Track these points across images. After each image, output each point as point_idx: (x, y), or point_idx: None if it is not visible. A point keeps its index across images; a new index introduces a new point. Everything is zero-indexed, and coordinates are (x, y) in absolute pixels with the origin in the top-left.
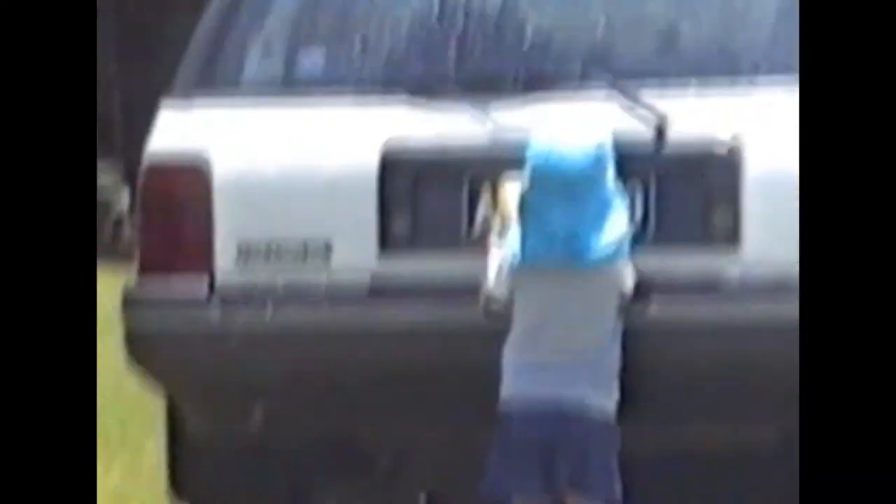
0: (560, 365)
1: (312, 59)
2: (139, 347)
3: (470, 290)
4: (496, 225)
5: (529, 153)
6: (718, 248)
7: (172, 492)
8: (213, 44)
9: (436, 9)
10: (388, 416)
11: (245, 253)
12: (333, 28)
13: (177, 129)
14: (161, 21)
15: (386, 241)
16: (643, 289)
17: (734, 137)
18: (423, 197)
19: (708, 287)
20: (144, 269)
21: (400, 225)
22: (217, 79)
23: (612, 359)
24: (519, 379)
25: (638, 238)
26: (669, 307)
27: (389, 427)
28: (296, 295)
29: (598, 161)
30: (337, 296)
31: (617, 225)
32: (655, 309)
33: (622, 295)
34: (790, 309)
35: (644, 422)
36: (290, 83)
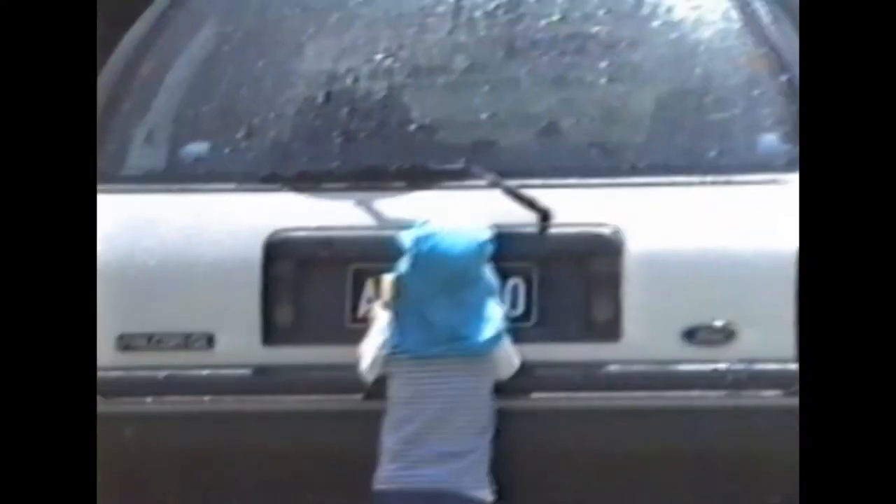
0: (438, 452)
1: (196, 150)
2: None
3: (353, 378)
4: (377, 314)
5: (410, 244)
6: (602, 338)
7: None
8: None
9: (320, 100)
10: (271, 500)
11: (126, 343)
12: (217, 118)
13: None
14: None
15: (269, 331)
16: (526, 376)
17: (614, 229)
18: (306, 287)
19: (589, 380)
20: None
21: (283, 314)
22: (100, 170)
23: (486, 444)
24: (394, 463)
25: (520, 326)
26: (552, 395)
27: None
28: (178, 385)
29: (480, 252)
30: (219, 386)
31: (495, 313)
32: (537, 397)
33: (498, 377)
34: (673, 398)
35: None
36: (173, 173)
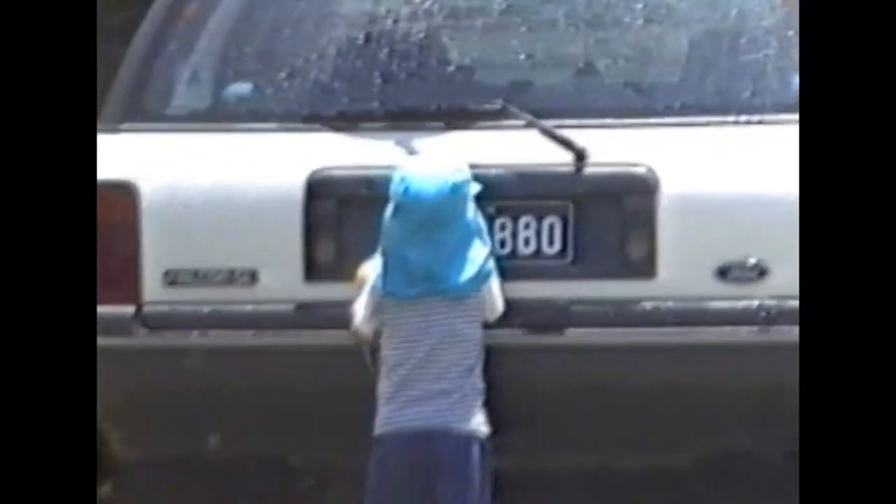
0: (426, 391)
1: (239, 90)
2: None
3: None
4: (366, 272)
5: (392, 189)
6: (636, 275)
7: None
8: (140, 74)
9: (360, 41)
10: (309, 435)
11: (171, 278)
12: (259, 59)
13: (106, 160)
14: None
15: (311, 267)
16: (563, 313)
17: (649, 168)
18: (347, 224)
19: (625, 316)
20: None
21: (325, 251)
22: (145, 109)
23: (476, 380)
24: (390, 407)
25: (556, 264)
26: (588, 331)
27: (313, 446)
28: (222, 320)
29: (456, 195)
30: (262, 321)
31: (478, 253)
32: (575, 335)
33: (485, 319)
34: (706, 333)
35: (558, 446)
36: (217, 113)
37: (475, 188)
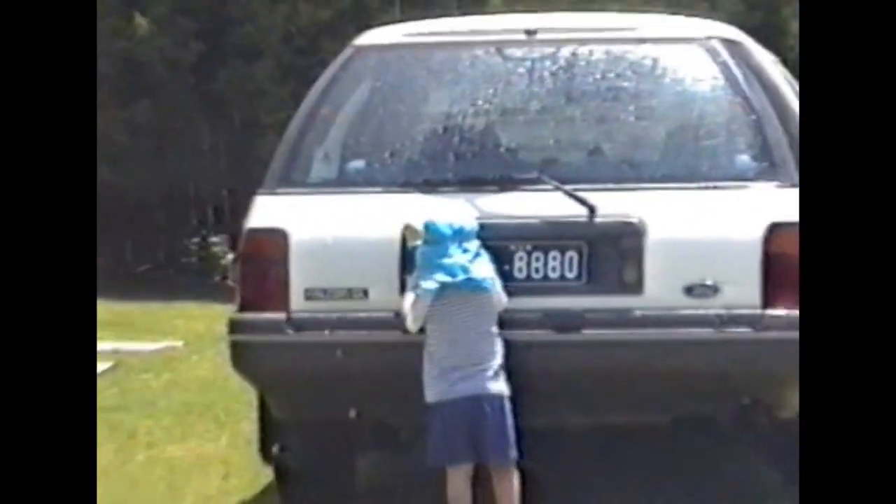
0: (466, 366)
1: (356, 165)
2: (239, 357)
3: None
4: (408, 294)
5: (426, 227)
6: (630, 292)
7: (261, 456)
8: (290, 155)
9: (439, 131)
10: (403, 403)
11: (310, 295)
12: (370, 145)
13: (266, 213)
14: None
15: (403, 286)
16: (579, 318)
17: (639, 219)
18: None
19: (621, 320)
20: (244, 306)
21: (413, 276)
22: (293, 179)
23: (498, 356)
24: (441, 379)
25: (575, 285)
26: (596, 331)
27: (404, 411)
28: (345, 323)
29: (466, 231)
30: (372, 324)
31: (487, 268)
32: (587, 334)
33: (498, 314)
34: (677, 333)
35: (575, 410)
36: (341, 181)
37: (474, 228)
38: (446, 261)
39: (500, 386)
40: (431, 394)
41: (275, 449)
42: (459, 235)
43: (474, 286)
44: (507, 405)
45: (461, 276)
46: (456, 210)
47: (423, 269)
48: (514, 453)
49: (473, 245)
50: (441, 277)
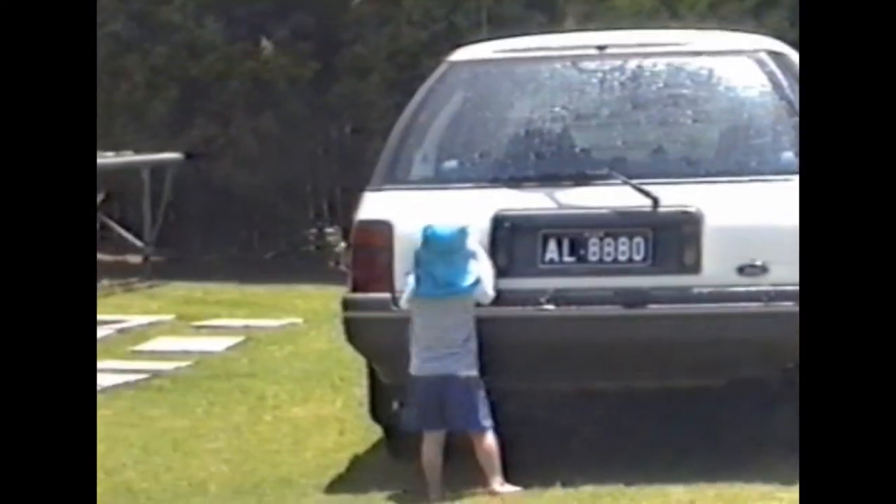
0: (440, 351)
1: (450, 165)
2: (351, 331)
3: (537, 295)
4: (409, 280)
5: (423, 232)
6: (690, 272)
7: (371, 416)
8: (393, 156)
9: (522, 133)
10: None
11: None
12: (462, 146)
13: (373, 207)
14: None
15: (494, 267)
16: (646, 296)
17: (697, 208)
18: (515, 243)
19: (682, 297)
20: (355, 287)
21: (502, 259)
22: (396, 177)
23: (471, 342)
24: (416, 357)
25: (642, 267)
26: (661, 307)
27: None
28: None
29: (460, 236)
30: None
31: (475, 270)
32: (653, 309)
33: (474, 309)
34: (731, 307)
35: (642, 375)
36: (438, 179)
37: (471, 231)
38: (432, 270)
39: (467, 368)
40: (412, 367)
41: (395, 405)
42: (449, 244)
43: (454, 294)
44: (473, 384)
45: (442, 291)
46: (461, 215)
47: (417, 266)
48: (479, 422)
49: (460, 250)
50: (425, 289)
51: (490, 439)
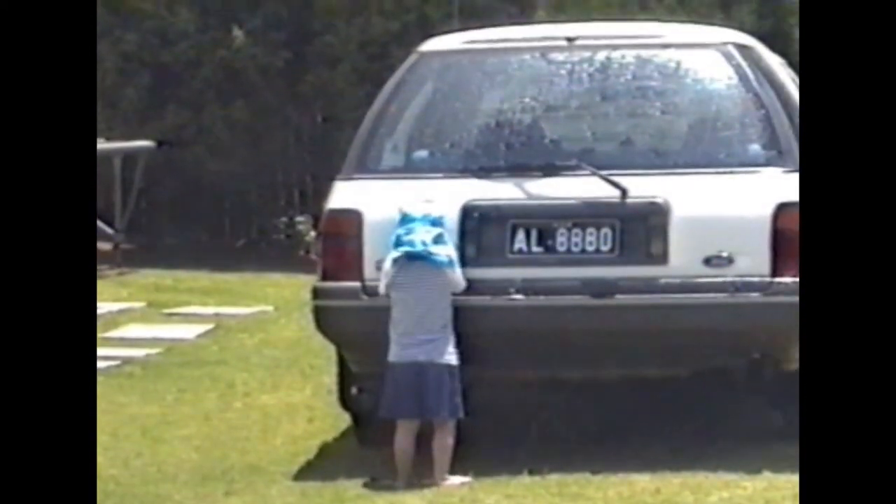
0: (419, 337)
1: (420, 155)
2: (321, 319)
3: (506, 285)
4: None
5: (402, 215)
6: (657, 263)
7: (341, 404)
8: (364, 146)
9: (492, 124)
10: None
11: (381, 266)
12: (432, 136)
13: (343, 196)
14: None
15: (462, 258)
16: (613, 285)
17: (664, 200)
18: (483, 233)
19: (649, 287)
20: (325, 276)
21: (471, 249)
22: (367, 166)
23: (448, 329)
24: (395, 343)
25: (609, 257)
26: (628, 296)
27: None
28: None
29: (434, 219)
30: None
31: (447, 250)
32: (620, 299)
33: (452, 292)
34: (697, 298)
35: (609, 364)
36: (408, 169)
37: (440, 217)
38: (410, 237)
39: (444, 355)
40: (390, 354)
41: (353, 390)
42: (425, 221)
43: (431, 260)
44: (450, 372)
45: (420, 248)
46: (431, 201)
47: (394, 245)
48: (449, 413)
49: (437, 230)
50: (404, 249)
51: (451, 432)
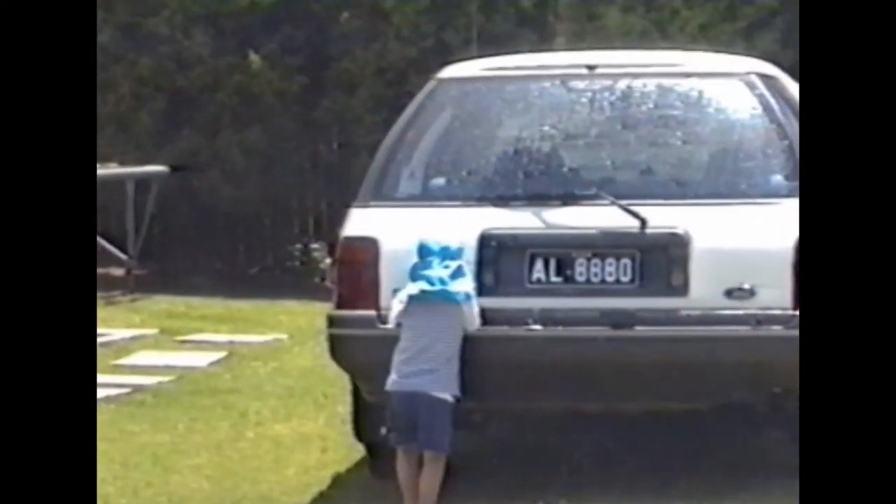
0: (421, 366)
1: (438, 183)
2: (336, 348)
3: (525, 315)
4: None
5: (418, 244)
6: (677, 294)
7: (355, 434)
8: (380, 172)
9: (511, 152)
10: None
11: (395, 293)
12: (450, 164)
13: (359, 223)
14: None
15: (479, 287)
16: (633, 317)
17: (685, 230)
18: (501, 262)
19: (669, 319)
20: (340, 304)
21: (489, 278)
22: (383, 194)
23: (454, 364)
24: (395, 371)
25: (629, 288)
26: (648, 328)
27: (472, 395)
28: None
29: (452, 250)
30: None
31: (464, 284)
32: (640, 330)
33: (464, 328)
34: (718, 330)
35: (628, 397)
36: (424, 197)
37: (460, 249)
38: (428, 272)
39: (442, 390)
40: (388, 382)
41: (383, 430)
42: (444, 254)
43: (447, 296)
44: (443, 407)
45: (437, 286)
46: (448, 233)
47: (410, 279)
48: (440, 449)
49: (455, 263)
50: (421, 285)
51: (440, 467)
